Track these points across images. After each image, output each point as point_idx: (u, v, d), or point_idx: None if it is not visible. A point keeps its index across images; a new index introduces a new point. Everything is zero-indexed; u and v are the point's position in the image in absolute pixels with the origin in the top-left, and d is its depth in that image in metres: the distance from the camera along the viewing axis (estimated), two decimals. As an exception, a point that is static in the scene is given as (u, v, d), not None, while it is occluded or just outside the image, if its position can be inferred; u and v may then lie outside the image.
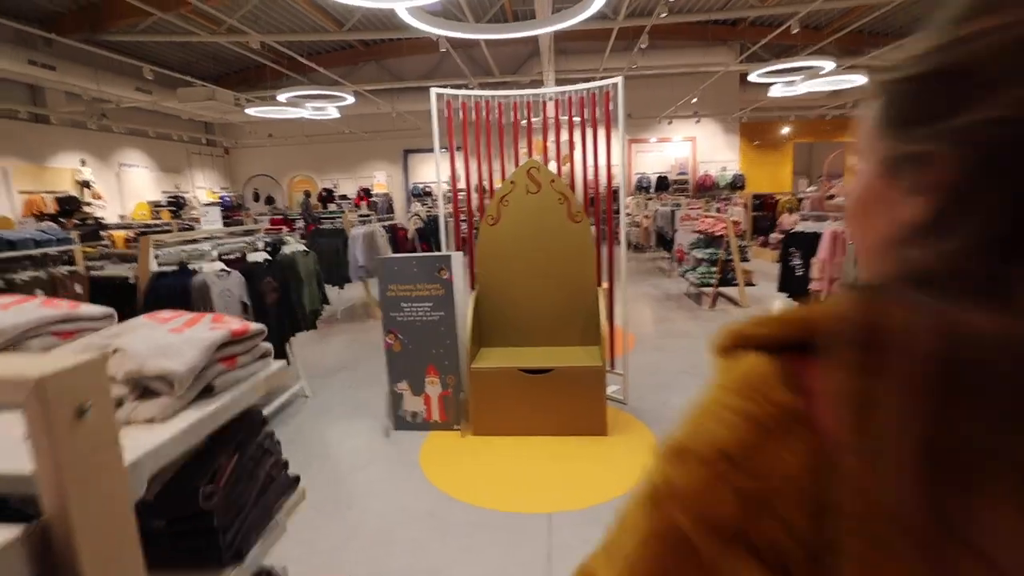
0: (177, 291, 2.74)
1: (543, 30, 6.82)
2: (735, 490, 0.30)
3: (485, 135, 3.55)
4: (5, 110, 10.29)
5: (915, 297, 0.26)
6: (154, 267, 2.87)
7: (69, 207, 11.45)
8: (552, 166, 3.57)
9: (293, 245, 3.85)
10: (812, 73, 7.18)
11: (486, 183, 3.68)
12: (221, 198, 16.52)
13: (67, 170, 11.90)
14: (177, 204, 14.58)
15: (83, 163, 12.18)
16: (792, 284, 4.45)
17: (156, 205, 14.17)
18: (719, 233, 6.53)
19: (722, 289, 6.68)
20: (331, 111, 8.90)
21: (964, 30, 0.26)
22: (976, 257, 0.25)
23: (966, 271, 0.25)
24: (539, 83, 11.24)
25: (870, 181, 0.32)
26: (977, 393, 0.24)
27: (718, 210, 8.65)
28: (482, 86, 11.45)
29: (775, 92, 8.29)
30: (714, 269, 6.56)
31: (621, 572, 0.34)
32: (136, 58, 9.62)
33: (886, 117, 0.31)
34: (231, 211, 14.68)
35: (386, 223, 7.28)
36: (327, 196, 16.60)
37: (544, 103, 3.63)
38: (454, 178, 3.67)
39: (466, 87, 7.94)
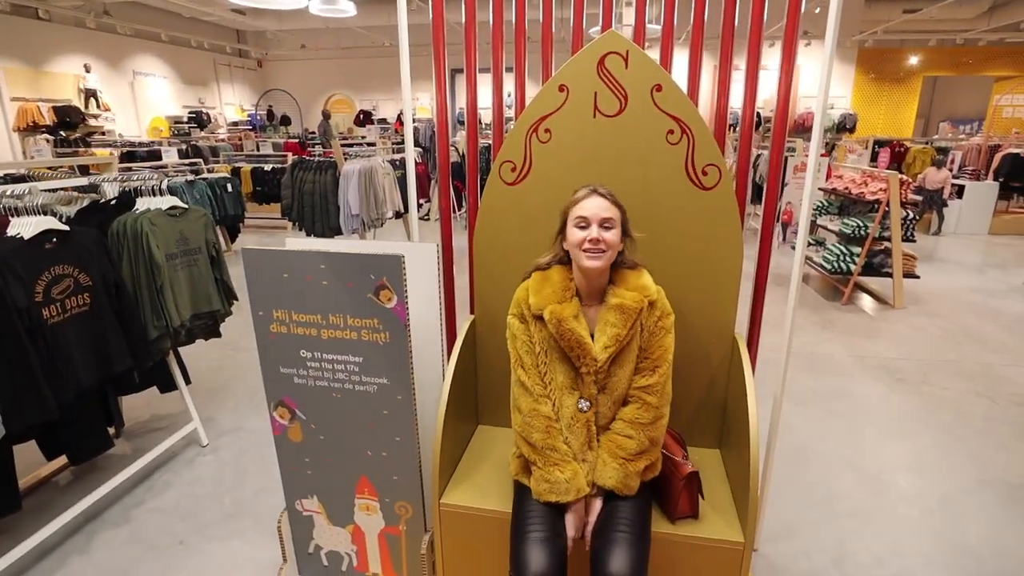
0: None
1: None
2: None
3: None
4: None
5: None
6: None
7: (70, 119, 10.10)
8: (655, 55, 1.58)
9: (157, 199, 2.10)
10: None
11: (509, 96, 1.78)
12: (250, 116, 14.97)
13: (69, 75, 10.49)
14: (199, 121, 13.14)
15: (87, 69, 10.71)
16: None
17: (176, 121, 12.79)
18: (871, 197, 4.38)
19: (861, 278, 4.60)
20: (344, 6, 6.89)
21: None
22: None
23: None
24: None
25: None
26: None
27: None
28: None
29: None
30: (857, 250, 4.45)
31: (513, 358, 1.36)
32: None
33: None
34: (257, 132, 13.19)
35: (399, 157, 5.47)
36: (365, 119, 14.78)
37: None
38: (442, 80, 1.76)
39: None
